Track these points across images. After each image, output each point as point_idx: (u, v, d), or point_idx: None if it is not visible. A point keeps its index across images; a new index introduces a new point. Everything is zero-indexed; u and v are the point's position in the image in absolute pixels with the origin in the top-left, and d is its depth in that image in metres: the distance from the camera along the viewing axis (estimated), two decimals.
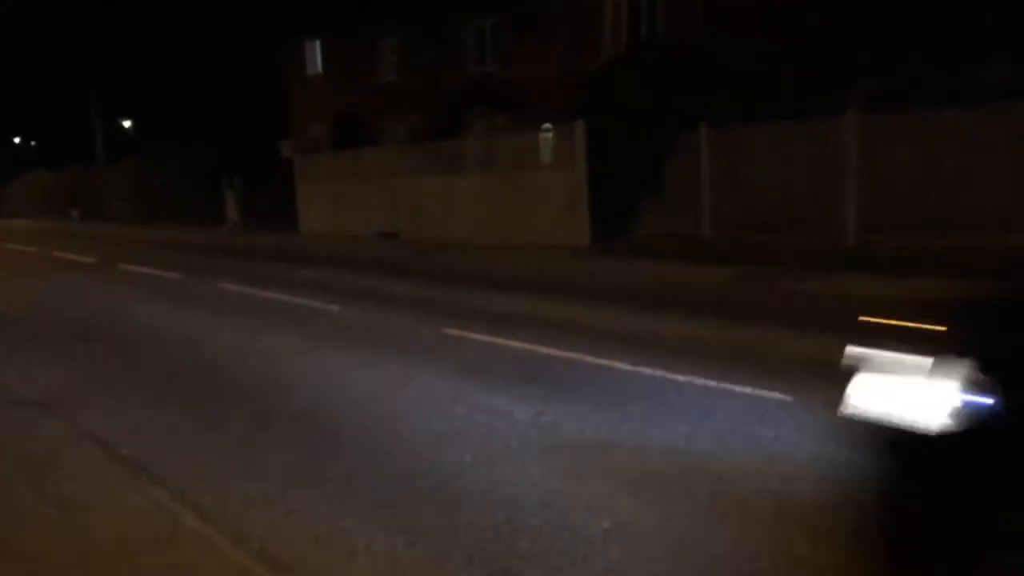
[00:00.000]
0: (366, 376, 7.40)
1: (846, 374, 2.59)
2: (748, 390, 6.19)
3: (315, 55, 29.74)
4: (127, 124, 54.26)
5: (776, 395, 6.04)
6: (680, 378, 6.60)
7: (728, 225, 14.41)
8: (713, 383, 6.41)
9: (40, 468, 5.27)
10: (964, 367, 2.28)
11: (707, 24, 18.84)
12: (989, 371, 2.25)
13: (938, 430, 2.26)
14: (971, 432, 2.22)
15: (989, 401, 2.23)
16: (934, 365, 2.33)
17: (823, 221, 13.24)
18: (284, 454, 5.42)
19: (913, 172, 12.50)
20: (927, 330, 2.64)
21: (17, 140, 71.26)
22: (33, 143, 68.28)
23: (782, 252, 12.67)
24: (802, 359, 7.15)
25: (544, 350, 7.81)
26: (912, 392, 2.35)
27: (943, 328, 2.65)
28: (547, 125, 18.26)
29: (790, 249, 12.72)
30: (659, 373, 6.78)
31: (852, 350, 2.60)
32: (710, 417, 5.69)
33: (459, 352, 8.12)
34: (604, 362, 7.25)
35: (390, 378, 7.27)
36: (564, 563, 3.79)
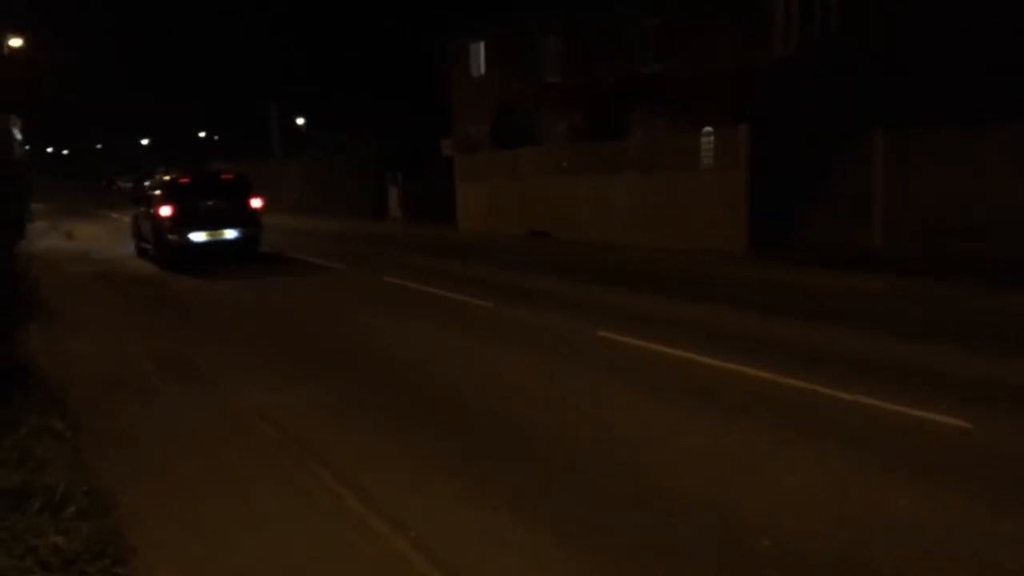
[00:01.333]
0: (528, 375, 7.49)
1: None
2: (919, 413, 5.85)
3: (479, 55, 30.35)
4: (300, 121, 57.31)
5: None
6: (846, 396, 6.31)
7: (903, 236, 13.61)
8: (884, 404, 6.09)
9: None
10: None
11: (884, 21, 17.89)
12: None
13: None
14: None
15: None
16: None
17: (1008, 233, 12.29)
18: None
19: None
20: None
21: (202, 134, 76.65)
22: (216, 137, 73.25)
23: (962, 264, 11.87)
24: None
25: (697, 357, 7.65)
26: None
27: None
28: (708, 128, 17.87)
29: (971, 262, 11.90)
30: (821, 389, 6.51)
31: None
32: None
33: (615, 357, 8.09)
34: (756, 373, 7.04)
35: (549, 376, 7.34)
36: None
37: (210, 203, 16.69)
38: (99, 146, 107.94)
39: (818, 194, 14.78)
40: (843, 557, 3.85)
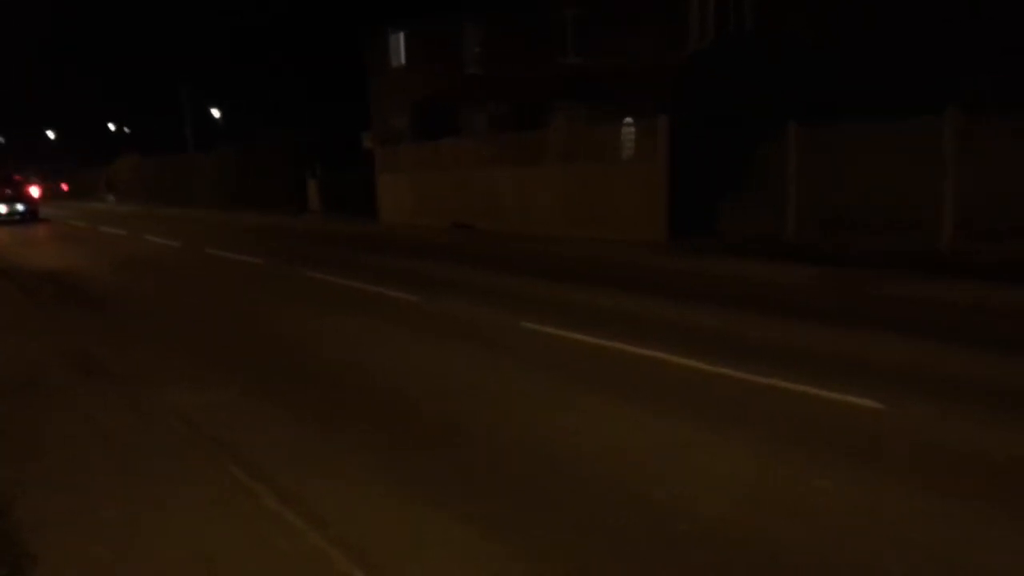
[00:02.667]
0: (450, 368, 7.41)
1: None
2: (834, 395, 5.98)
3: (399, 46, 30.01)
4: (216, 113, 55.83)
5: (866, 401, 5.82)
6: (761, 380, 6.41)
7: (815, 225, 14.00)
8: (799, 387, 6.21)
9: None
10: None
11: (798, 16, 18.35)
12: None
13: None
14: None
15: None
16: None
17: (916, 224, 12.75)
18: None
19: (1017, 176, 11.93)
20: None
21: (112, 127, 73.97)
22: (127, 129, 70.80)
23: (873, 254, 12.25)
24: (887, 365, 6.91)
25: (621, 346, 7.69)
26: None
27: None
28: (628, 119, 18.03)
29: (879, 252, 12.29)
30: (739, 374, 6.60)
31: None
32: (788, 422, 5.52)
33: (538, 347, 8.07)
34: (676, 359, 7.11)
35: (472, 369, 7.27)
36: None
37: (8, 191, 30.15)
38: (0, 139, 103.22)
39: (735, 185, 15.08)
40: (761, 538, 3.89)
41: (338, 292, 11.88)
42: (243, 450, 5.23)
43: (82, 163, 61.87)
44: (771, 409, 5.82)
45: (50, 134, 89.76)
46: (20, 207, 29.93)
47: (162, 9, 54.21)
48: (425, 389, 6.67)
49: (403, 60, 29.95)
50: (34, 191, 31.24)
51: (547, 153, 18.88)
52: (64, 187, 61.91)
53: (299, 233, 22.56)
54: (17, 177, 31.82)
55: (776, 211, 14.48)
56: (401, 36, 29.77)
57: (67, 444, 5.36)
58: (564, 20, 23.79)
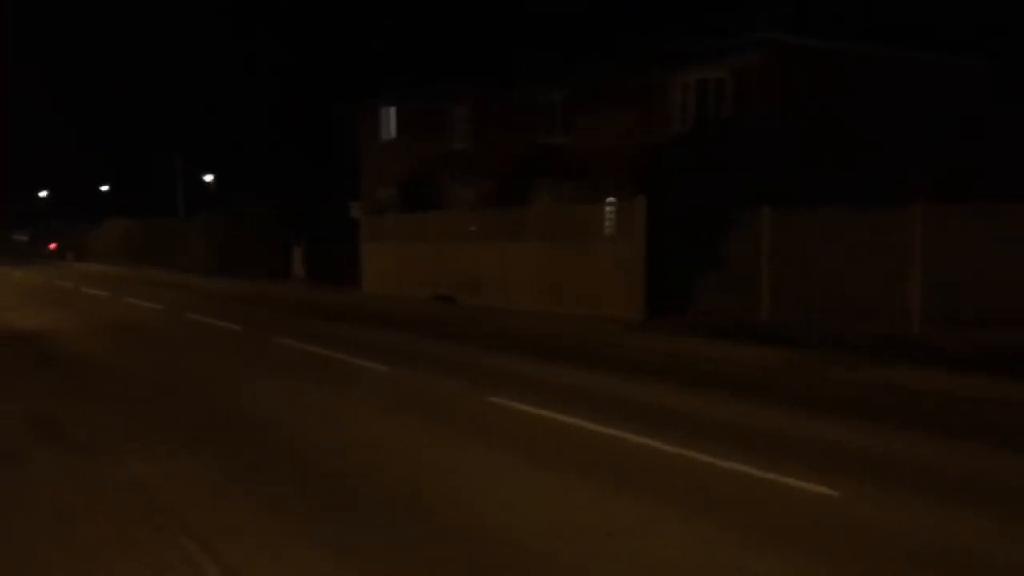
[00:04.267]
0: (409, 441, 7.42)
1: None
2: (791, 481, 6.02)
3: (389, 120, 30.58)
4: (208, 178, 56.37)
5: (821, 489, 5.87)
6: (721, 464, 6.45)
7: (787, 307, 14.16)
8: (757, 472, 6.24)
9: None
10: None
11: (773, 107, 18.88)
12: None
13: None
14: None
15: None
16: None
17: (885, 309, 12.94)
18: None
19: (981, 264, 12.18)
20: None
21: (105, 188, 74.44)
22: (114, 191, 71.11)
23: (841, 338, 12.39)
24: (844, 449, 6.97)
25: (588, 425, 7.73)
26: None
27: None
28: (611, 199, 18.35)
29: (850, 335, 12.43)
30: (700, 457, 6.65)
31: None
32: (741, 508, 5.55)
33: (501, 422, 8.10)
34: (636, 440, 7.15)
35: (430, 442, 7.29)
36: None
37: None
38: None
39: (711, 266, 15.29)
40: None
41: (307, 361, 11.91)
42: (193, 522, 5.22)
43: (74, 223, 62.05)
44: (728, 492, 5.86)
45: (42, 194, 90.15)
46: None
47: (158, 80, 55.23)
48: (379, 464, 6.69)
49: (393, 133, 30.50)
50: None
51: (528, 229, 19.14)
52: (53, 247, 62.00)
53: (280, 300, 22.64)
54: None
55: (749, 292, 14.67)
56: (392, 111, 30.37)
57: (19, 512, 5.33)
58: (551, 101, 24.37)
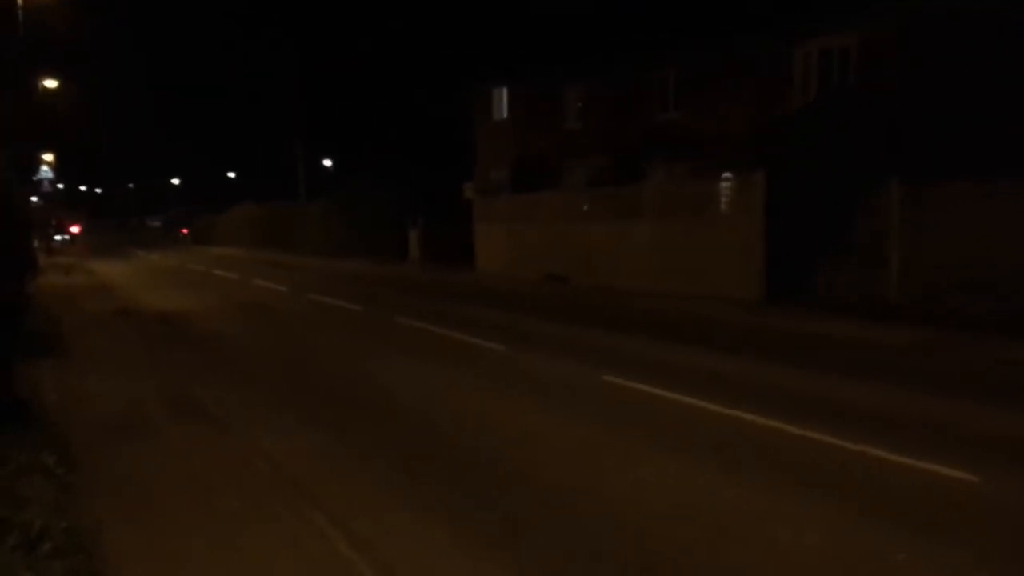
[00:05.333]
0: (519, 413, 7.44)
1: None
2: (928, 466, 5.72)
3: (502, 101, 30.67)
4: (328, 163, 58.10)
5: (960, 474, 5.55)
6: (851, 447, 6.19)
7: (919, 286, 13.46)
8: (890, 456, 5.96)
9: None
10: None
11: (902, 73, 17.93)
12: None
13: None
14: None
15: None
16: None
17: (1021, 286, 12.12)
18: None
19: None
20: None
21: (232, 175, 77.81)
22: (239, 176, 74.19)
23: (975, 318, 11.71)
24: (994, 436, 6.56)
25: (704, 405, 7.57)
26: None
27: None
28: (727, 175, 17.87)
29: (985, 315, 11.73)
30: (827, 439, 6.39)
31: None
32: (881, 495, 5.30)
33: (619, 402, 8.01)
34: (763, 422, 6.93)
35: (549, 421, 7.28)
36: None
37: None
38: (131, 185, 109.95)
39: (835, 243, 14.68)
40: None
41: (428, 340, 12.09)
42: (322, 496, 5.37)
43: (203, 209, 65.15)
44: (858, 477, 5.61)
45: (174, 181, 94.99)
46: (66, 237, 47.10)
47: (278, 66, 57.04)
48: (501, 439, 6.72)
49: (505, 114, 30.57)
50: (74, 228, 51.37)
51: (643, 207, 18.86)
52: (185, 232, 65.20)
53: (397, 281, 23.11)
54: (62, 220, 48.41)
55: (877, 270, 14.01)
56: (504, 91, 30.43)
57: (156, 482, 5.61)
58: (665, 76, 23.92)
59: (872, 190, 14.22)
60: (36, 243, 22.76)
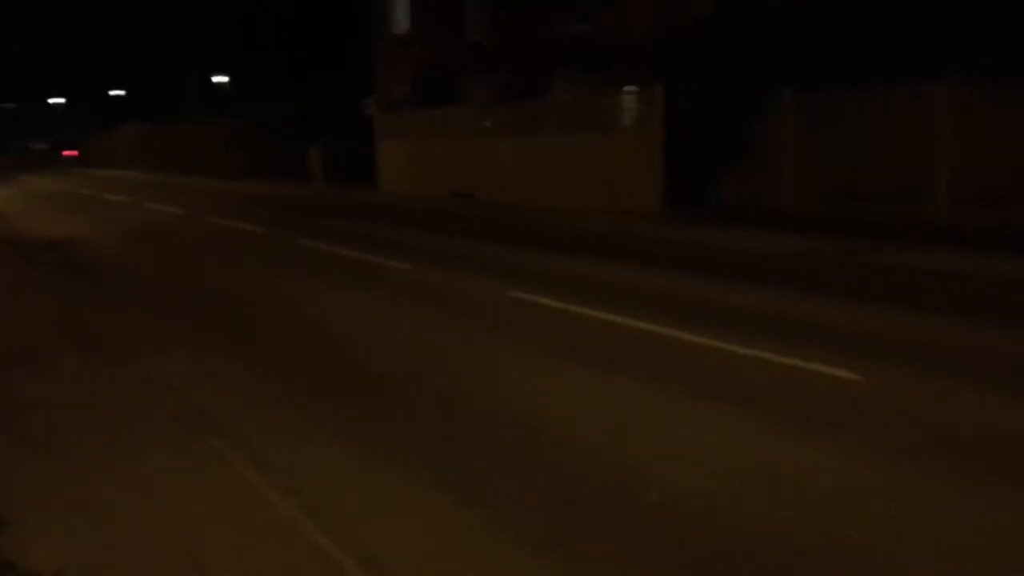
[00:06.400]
0: (424, 331, 7.49)
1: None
2: (814, 367, 6.03)
3: (405, 12, 29.77)
4: (220, 79, 55.59)
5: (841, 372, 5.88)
6: (740, 350, 6.46)
7: (812, 195, 13.93)
8: (778, 358, 6.26)
9: None
10: None
11: None
12: None
13: None
14: None
15: None
16: None
17: (912, 193, 12.69)
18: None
19: (1011, 143, 11.85)
20: None
21: (114, 93, 73.73)
22: (120, 95, 70.50)
23: (866, 224, 12.23)
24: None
25: (603, 316, 7.75)
26: None
27: None
28: (630, 87, 17.92)
29: (875, 221, 12.27)
30: (714, 343, 6.66)
31: None
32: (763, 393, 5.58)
33: (524, 316, 8.13)
34: (659, 329, 7.16)
35: (454, 337, 7.35)
36: None
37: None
38: (11, 105, 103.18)
39: (733, 154, 15.01)
40: (726, 509, 3.96)
41: (330, 260, 11.95)
42: (223, 420, 5.33)
43: (91, 130, 61.92)
44: (750, 379, 5.88)
45: (59, 101, 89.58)
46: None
47: None
48: (402, 356, 6.77)
49: (406, 27, 29.72)
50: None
51: (547, 122, 18.82)
52: (72, 154, 62.00)
53: (299, 202, 22.61)
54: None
55: (773, 180, 14.44)
56: (407, 2, 29.53)
57: (52, 415, 5.46)
58: None
59: (768, 101, 14.51)
60: None
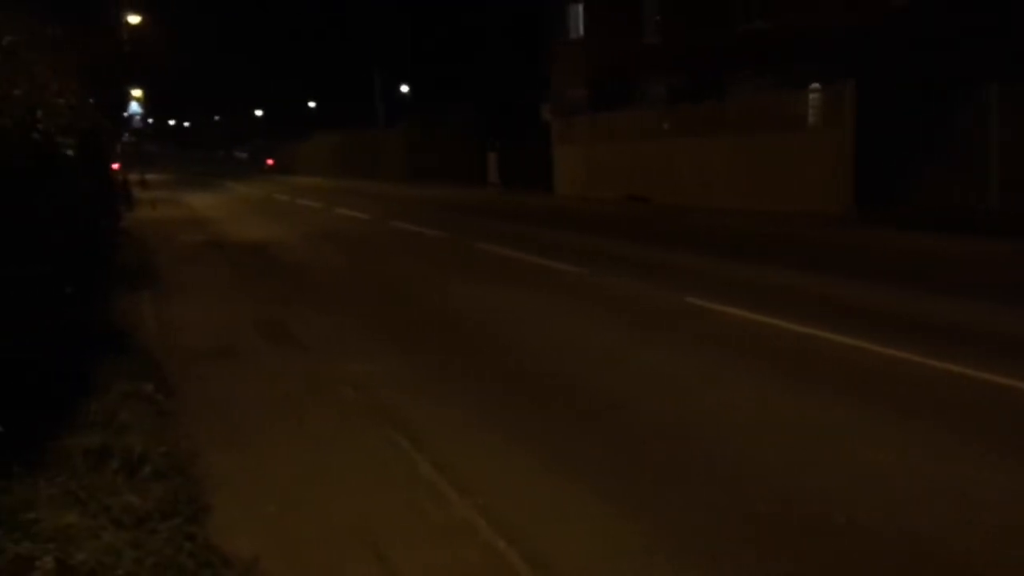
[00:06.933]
0: (602, 338, 7.44)
1: None
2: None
3: (578, 18, 29.93)
4: (405, 89, 58.04)
5: None
6: (936, 364, 6.00)
7: (1020, 196, 12.80)
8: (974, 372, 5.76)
9: None
10: None
11: None
12: None
13: None
14: None
15: None
16: None
17: None
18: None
19: None
20: None
21: (312, 104, 78.56)
22: (316, 106, 74.85)
23: None
24: None
25: (787, 325, 7.42)
26: None
27: None
28: (815, 85, 17.16)
29: None
30: (913, 358, 6.20)
31: None
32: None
33: (703, 323, 7.92)
34: (844, 340, 6.76)
35: (628, 342, 7.26)
36: None
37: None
38: (216, 118, 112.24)
39: (929, 153, 14.03)
40: (897, 529, 3.68)
41: (507, 264, 12.14)
42: (403, 417, 5.50)
43: (286, 140, 66.20)
44: (944, 397, 5.45)
45: (258, 113, 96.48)
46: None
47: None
48: (582, 364, 6.74)
49: (582, 31, 29.85)
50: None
51: (726, 123, 18.33)
52: (270, 162, 66.42)
53: (476, 206, 23.15)
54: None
55: (975, 180, 13.36)
56: (580, 7, 29.67)
57: (248, 407, 5.83)
58: None
59: (969, 95, 13.46)
60: (129, 178, 23.52)
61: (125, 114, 44.20)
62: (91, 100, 9.25)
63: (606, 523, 3.95)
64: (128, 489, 3.52)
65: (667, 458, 4.69)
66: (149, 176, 38.55)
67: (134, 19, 36.04)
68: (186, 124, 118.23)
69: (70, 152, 4.88)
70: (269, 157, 67.43)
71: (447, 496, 4.30)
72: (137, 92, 49.42)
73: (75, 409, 4.49)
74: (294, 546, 3.74)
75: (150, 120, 65.31)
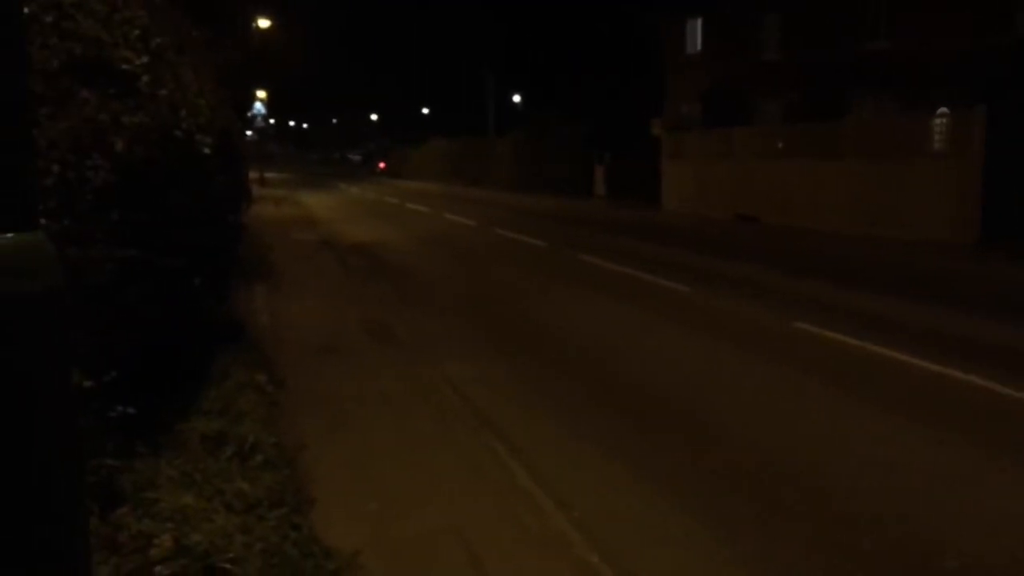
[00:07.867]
0: (702, 359, 7.33)
1: None
2: None
3: (695, 32, 29.62)
4: (516, 99, 58.58)
5: None
6: None
7: None
8: None
9: None
10: None
11: None
12: None
13: None
14: None
15: None
16: None
17: None
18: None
19: None
20: None
21: (426, 111, 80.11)
22: (428, 112, 76.19)
23: None
24: None
25: (907, 359, 7.14)
26: None
27: None
28: (943, 109, 16.50)
29: None
30: (996, 388, 5.90)
31: None
32: None
33: (810, 351, 7.72)
34: (965, 378, 6.46)
35: (729, 370, 7.14)
36: None
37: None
38: (334, 120, 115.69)
39: None
40: None
41: (609, 278, 12.09)
42: (499, 423, 5.56)
43: (398, 144, 67.72)
44: None
45: (373, 116, 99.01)
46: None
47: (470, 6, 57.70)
48: (679, 383, 6.67)
49: (698, 46, 29.53)
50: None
51: (843, 144, 17.79)
52: (382, 166, 67.99)
53: (582, 217, 23.14)
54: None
55: None
56: (699, 22, 29.36)
57: (352, 403, 6.00)
58: (872, 2, 22.14)
59: None
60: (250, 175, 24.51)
61: (249, 114, 46.06)
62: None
63: (702, 548, 3.90)
64: (240, 476, 3.68)
65: (769, 486, 4.60)
66: (268, 175, 39.99)
67: (264, 23, 37.53)
68: (304, 125, 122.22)
69: (207, 150, 5.15)
70: (381, 160, 69.02)
71: (543, 507, 4.33)
72: (261, 93, 51.47)
73: (197, 394, 4.72)
74: (392, 544, 3.84)
75: (271, 120, 67.82)
